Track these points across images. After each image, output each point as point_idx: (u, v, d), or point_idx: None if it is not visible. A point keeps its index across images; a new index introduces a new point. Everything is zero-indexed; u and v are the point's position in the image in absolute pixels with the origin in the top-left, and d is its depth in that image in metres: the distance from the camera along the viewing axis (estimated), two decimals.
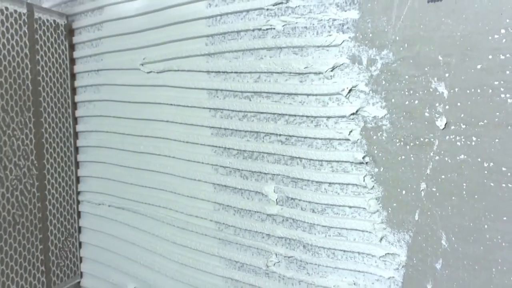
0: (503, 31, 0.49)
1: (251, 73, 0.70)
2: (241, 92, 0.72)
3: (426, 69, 0.55)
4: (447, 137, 0.53)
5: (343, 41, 0.61)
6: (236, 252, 0.74)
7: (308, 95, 0.65)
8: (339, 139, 0.62)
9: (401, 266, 0.58)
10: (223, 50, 0.73)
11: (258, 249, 0.71)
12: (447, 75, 0.53)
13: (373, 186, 0.60)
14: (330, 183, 0.64)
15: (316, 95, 0.64)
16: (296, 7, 0.65)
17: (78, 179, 0.97)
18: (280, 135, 0.68)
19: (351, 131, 0.61)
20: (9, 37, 0.82)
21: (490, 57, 0.50)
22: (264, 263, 0.70)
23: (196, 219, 0.79)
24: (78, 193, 0.97)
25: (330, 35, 0.62)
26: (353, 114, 0.61)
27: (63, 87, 0.92)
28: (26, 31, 0.85)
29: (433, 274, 0.55)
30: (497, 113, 0.50)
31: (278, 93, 0.68)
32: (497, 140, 0.50)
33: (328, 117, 0.63)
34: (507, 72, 0.49)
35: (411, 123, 0.56)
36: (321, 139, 0.64)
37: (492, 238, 0.51)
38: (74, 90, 0.97)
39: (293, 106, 0.66)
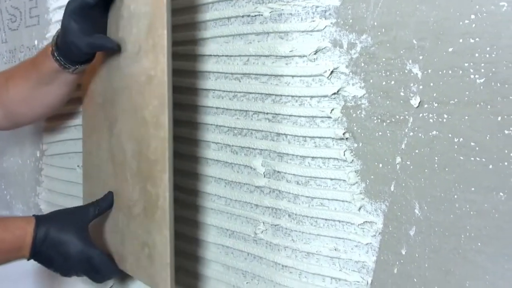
0: (473, 16, 0.49)
1: (241, 56, 0.70)
2: (231, 74, 0.71)
3: (401, 52, 0.54)
4: (421, 115, 0.53)
5: (326, 26, 0.61)
6: (227, 221, 0.74)
7: (293, 76, 0.64)
8: (322, 117, 0.62)
9: (377, 233, 0.58)
10: (215, 35, 0.73)
11: (247, 218, 0.71)
12: (421, 57, 0.53)
13: (352, 160, 0.60)
14: (313, 157, 0.63)
15: (300, 76, 0.64)
16: None
17: None
18: (267, 113, 0.67)
19: (332, 110, 0.61)
20: None
21: (461, 40, 0.50)
22: (252, 231, 0.70)
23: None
24: None
25: (313, 21, 0.62)
26: (334, 94, 0.60)
27: None
28: None
29: (407, 240, 0.55)
30: (467, 92, 0.50)
31: (266, 75, 0.67)
32: (466, 117, 0.50)
33: (312, 97, 0.63)
34: (476, 54, 0.49)
35: (388, 102, 0.56)
36: (305, 117, 0.63)
37: (461, 207, 0.51)
38: None
39: (279, 87, 0.65)
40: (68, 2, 0.71)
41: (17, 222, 0.69)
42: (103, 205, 0.76)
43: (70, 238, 0.70)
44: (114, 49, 0.72)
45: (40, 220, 0.70)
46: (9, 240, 0.67)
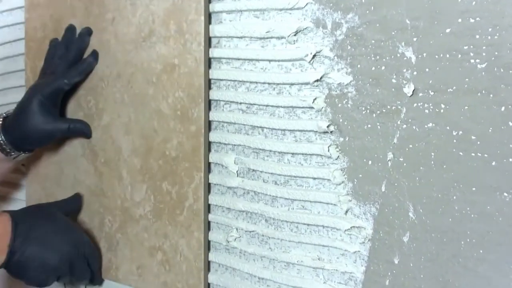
0: None
1: (210, 38, 0.69)
2: None
3: (393, 33, 0.54)
4: (415, 105, 0.53)
5: (307, 3, 0.60)
6: None
7: (270, 61, 0.64)
8: (303, 107, 0.62)
9: (367, 239, 0.58)
10: None
11: (217, 223, 0.71)
12: (415, 39, 0.52)
13: (338, 157, 0.59)
14: (293, 154, 0.63)
15: (278, 61, 0.63)
16: None
17: None
18: (240, 103, 0.67)
19: (315, 99, 0.60)
20: None
21: (460, 20, 0.50)
22: (224, 239, 0.70)
23: None
24: None
25: None
26: (317, 81, 0.60)
27: None
28: None
29: (400, 247, 0.55)
30: (466, 79, 0.50)
31: (239, 59, 0.67)
32: (466, 108, 0.50)
33: (291, 84, 0.62)
34: (477, 36, 0.49)
35: (378, 90, 0.55)
36: (284, 107, 0.63)
37: (461, 210, 0.51)
38: None
39: (254, 73, 0.65)
40: (35, 86, 0.77)
41: None
42: (71, 207, 0.80)
43: (55, 225, 0.72)
44: (88, 136, 0.80)
45: (17, 215, 0.70)
46: None
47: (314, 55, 0.60)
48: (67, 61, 0.78)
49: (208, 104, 0.69)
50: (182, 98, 0.68)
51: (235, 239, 0.69)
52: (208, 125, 0.70)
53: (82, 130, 0.79)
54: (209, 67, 0.69)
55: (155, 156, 0.72)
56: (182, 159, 0.69)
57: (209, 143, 0.70)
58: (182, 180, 0.69)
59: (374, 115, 0.56)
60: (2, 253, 0.66)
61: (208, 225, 0.71)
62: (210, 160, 0.70)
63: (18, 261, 0.67)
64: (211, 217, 0.71)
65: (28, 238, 0.68)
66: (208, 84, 0.69)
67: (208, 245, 0.71)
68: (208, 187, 0.70)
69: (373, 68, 0.56)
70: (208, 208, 0.70)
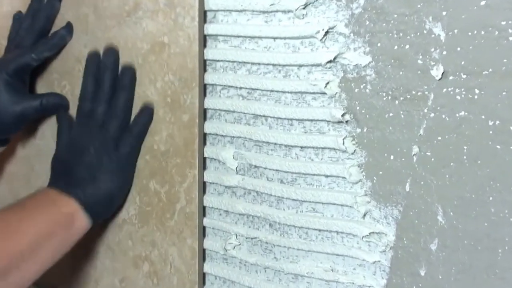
0: None
1: (206, 12, 0.69)
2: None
3: (419, 6, 0.54)
4: (445, 90, 0.53)
5: None
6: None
7: (274, 38, 0.64)
8: (313, 93, 0.62)
9: (388, 247, 0.58)
10: None
11: (214, 229, 0.71)
12: (444, 13, 0.52)
13: (354, 150, 0.60)
14: (302, 147, 0.63)
15: (284, 38, 0.63)
16: None
17: None
18: (240, 88, 0.67)
19: (327, 83, 0.60)
20: None
21: None
22: (221, 246, 0.70)
23: None
24: None
25: None
26: (330, 62, 0.60)
27: None
28: None
29: (427, 256, 0.56)
30: (505, 60, 0.49)
31: (238, 36, 0.67)
32: (504, 93, 0.50)
33: (300, 66, 0.62)
34: None
35: (401, 73, 0.55)
36: (291, 92, 0.63)
37: (498, 213, 0.51)
38: None
39: (257, 52, 0.65)
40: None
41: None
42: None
43: None
44: (66, 109, 0.80)
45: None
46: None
47: (327, 32, 0.60)
48: (34, 32, 0.78)
49: (203, 89, 0.69)
50: (172, 82, 0.68)
51: (234, 247, 0.69)
52: (203, 114, 0.70)
53: (59, 104, 0.79)
54: (204, 46, 0.69)
55: (141, 151, 0.72)
56: (172, 154, 0.69)
57: (204, 135, 0.70)
58: (173, 179, 0.70)
59: (396, 102, 0.56)
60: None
61: (203, 231, 0.71)
62: (205, 155, 0.70)
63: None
64: (206, 221, 0.71)
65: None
66: (203, 66, 0.69)
67: (203, 254, 0.71)
68: (203, 187, 0.70)
69: (396, 47, 0.55)
70: (203, 211, 0.71)
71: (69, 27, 0.78)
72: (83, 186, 0.71)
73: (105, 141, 0.72)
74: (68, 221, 0.69)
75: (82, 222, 0.70)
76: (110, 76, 0.73)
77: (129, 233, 0.74)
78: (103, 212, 0.73)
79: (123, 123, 0.73)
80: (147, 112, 0.72)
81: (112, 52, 0.74)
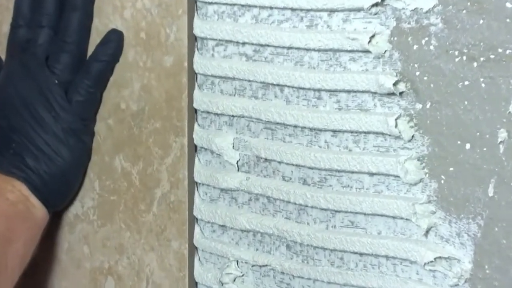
0: None
1: None
2: None
3: None
4: None
5: None
6: None
7: None
8: (352, 51, 0.61)
9: (463, 280, 0.58)
10: None
11: (204, 251, 0.72)
12: None
13: (412, 136, 0.59)
14: (335, 131, 0.63)
15: None
16: None
17: None
18: (243, 43, 0.67)
19: (372, 37, 0.60)
20: None
21: None
22: (215, 278, 0.70)
23: None
24: None
25: None
26: (376, 5, 0.59)
27: None
28: None
29: None
30: None
31: None
32: None
33: (331, 11, 0.62)
34: None
35: (481, 22, 0.54)
36: (319, 50, 0.63)
37: None
38: None
39: None
40: None
41: None
42: None
43: None
44: None
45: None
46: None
47: None
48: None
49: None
50: (148, 10, 0.68)
51: (234, 280, 0.69)
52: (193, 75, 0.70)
53: None
54: None
55: (102, 112, 0.72)
56: (149, 116, 0.69)
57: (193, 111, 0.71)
58: (150, 153, 0.69)
59: (475, 64, 0.55)
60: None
61: (192, 227, 0.71)
62: (195, 141, 0.71)
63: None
64: (194, 240, 0.72)
65: None
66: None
67: (192, 261, 0.71)
68: (192, 166, 0.70)
69: None
70: (194, 197, 0.70)
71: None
72: (25, 161, 0.72)
73: (48, 87, 0.72)
74: (22, 211, 0.70)
75: (39, 210, 0.71)
76: None
77: (84, 235, 0.75)
78: (57, 198, 0.74)
79: (75, 59, 0.73)
80: (114, 39, 0.72)
81: None
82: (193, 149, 0.69)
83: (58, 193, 0.74)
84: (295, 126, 0.64)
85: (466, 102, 0.56)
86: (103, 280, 0.73)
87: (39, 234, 0.72)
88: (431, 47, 0.57)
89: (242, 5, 0.66)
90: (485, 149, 0.55)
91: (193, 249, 0.70)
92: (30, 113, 0.71)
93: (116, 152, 0.71)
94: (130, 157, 0.70)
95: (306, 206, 0.64)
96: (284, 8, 0.64)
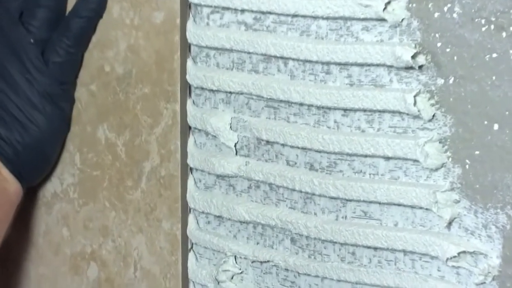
0: None
1: None
2: None
3: None
4: None
5: None
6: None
7: None
8: (365, 19, 0.60)
9: (490, 277, 0.57)
10: None
11: (198, 245, 0.72)
12: None
13: (433, 116, 0.59)
14: (346, 110, 0.62)
15: None
16: None
17: None
18: (242, 10, 0.66)
19: (388, 3, 0.59)
20: None
21: None
22: (211, 276, 0.70)
23: None
24: None
25: None
26: None
27: None
28: None
29: None
30: None
31: None
32: None
33: None
34: None
35: None
36: (328, 18, 0.62)
37: None
38: None
39: None
40: None
41: None
42: None
43: None
44: None
45: None
46: None
47: None
48: None
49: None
50: None
51: (232, 278, 0.69)
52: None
53: None
54: None
55: (83, 76, 0.73)
56: (136, 80, 0.69)
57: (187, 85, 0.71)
58: (138, 121, 0.69)
59: (504, 34, 0.55)
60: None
61: (186, 205, 0.71)
62: (188, 121, 0.71)
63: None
64: (188, 233, 0.72)
65: None
66: None
67: (186, 245, 0.71)
68: (185, 136, 0.70)
69: None
70: (187, 172, 0.71)
71: None
72: None
73: (23, 46, 0.72)
74: None
75: (12, 185, 0.72)
76: None
77: (63, 215, 0.75)
78: (32, 171, 0.75)
79: (53, 15, 0.73)
80: None
81: None
82: (186, 116, 0.69)
83: (33, 165, 0.74)
84: (301, 104, 0.64)
85: (494, 77, 0.56)
86: (85, 266, 0.73)
87: (11, 212, 0.73)
88: (455, 15, 0.57)
89: None
90: (496, 126, 0.56)
91: (186, 230, 0.70)
92: (2, 75, 0.72)
93: (100, 121, 0.71)
94: (115, 127, 0.70)
95: (313, 194, 0.64)
96: None
